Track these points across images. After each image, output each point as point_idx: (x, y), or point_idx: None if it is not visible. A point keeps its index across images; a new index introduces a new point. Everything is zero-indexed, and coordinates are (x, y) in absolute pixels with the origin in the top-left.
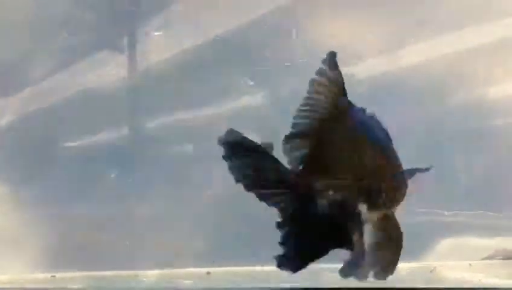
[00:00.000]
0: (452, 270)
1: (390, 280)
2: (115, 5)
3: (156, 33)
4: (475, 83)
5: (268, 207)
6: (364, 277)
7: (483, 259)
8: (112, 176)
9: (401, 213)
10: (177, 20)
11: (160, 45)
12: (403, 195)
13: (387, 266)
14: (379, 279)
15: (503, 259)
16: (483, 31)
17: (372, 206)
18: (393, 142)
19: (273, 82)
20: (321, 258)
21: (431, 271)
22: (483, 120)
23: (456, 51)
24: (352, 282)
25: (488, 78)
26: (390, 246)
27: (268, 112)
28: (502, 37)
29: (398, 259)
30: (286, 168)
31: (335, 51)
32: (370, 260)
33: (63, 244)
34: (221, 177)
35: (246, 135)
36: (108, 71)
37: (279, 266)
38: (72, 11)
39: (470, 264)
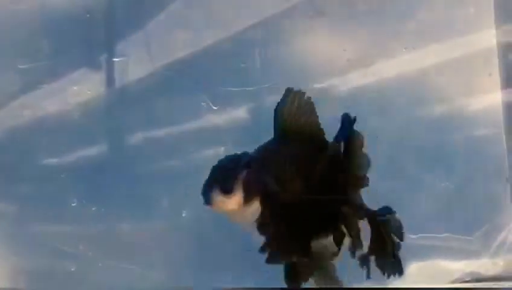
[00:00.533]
0: None
1: None
2: (92, 22)
3: (119, 59)
4: (454, 95)
5: None
6: None
7: (450, 283)
8: (73, 204)
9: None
10: (154, 38)
11: (137, 63)
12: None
13: None
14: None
15: (471, 282)
16: (463, 42)
17: None
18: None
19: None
20: None
21: None
22: (459, 132)
23: (435, 63)
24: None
25: (468, 90)
26: None
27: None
28: (483, 48)
29: None
30: None
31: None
32: None
33: (35, 264)
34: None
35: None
36: (86, 89)
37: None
38: (48, 27)
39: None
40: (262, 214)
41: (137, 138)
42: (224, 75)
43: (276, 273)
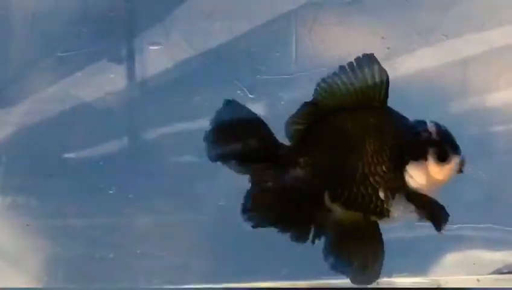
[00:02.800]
0: (459, 285)
1: None
2: (112, 17)
3: (151, 47)
4: (474, 91)
5: None
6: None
7: (491, 273)
8: (110, 191)
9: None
10: (174, 33)
11: (158, 56)
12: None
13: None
14: (358, 283)
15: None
16: (481, 39)
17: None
18: None
19: (271, 94)
20: None
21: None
22: (483, 127)
23: (454, 59)
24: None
25: (487, 86)
26: (355, 245)
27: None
28: (500, 46)
29: (374, 265)
30: (278, 142)
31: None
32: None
33: (60, 258)
34: (222, 188)
35: None
36: (105, 83)
37: (243, 212)
38: (69, 23)
39: (478, 280)
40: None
41: (161, 131)
42: (258, 64)
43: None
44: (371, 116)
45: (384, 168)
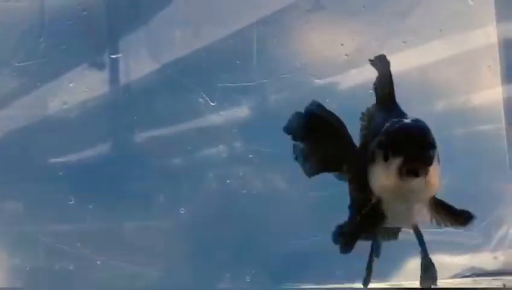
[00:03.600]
0: None
1: None
2: (94, 22)
3: (115, 56)
4: (454, 91)
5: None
6: None
7: (451, 277)
8: (70, 203)
9: None
10: (156, 37)
11: (140, 61)
12: None
13: None
14: None
15: (472, 277)
16: (439, 45)
17: None
18: None
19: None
20: None
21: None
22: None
23: (414, 66)
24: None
25: (468, 86)
26: None
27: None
28: (484, 44)
29: None
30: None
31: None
32: None
33: (33, 262)
34: (208, 189)
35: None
36: (89, 87)
37: None
38: (52, 28)
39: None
40: None
41: (138, 136)
42: (221, 72)
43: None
44: None
45: None
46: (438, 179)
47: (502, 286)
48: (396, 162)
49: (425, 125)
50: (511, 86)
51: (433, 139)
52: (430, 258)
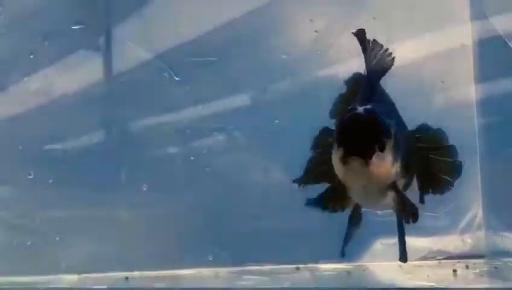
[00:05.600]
0: (382, 272)
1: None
2: (90, 9)
3: (129, 42)
4: (427, 89)
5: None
6: None
7: (418, 260)
8: (30, 177)
9: None
10: (152, 25)
11: (136, 48)
12: None
13: None
14: None
15: (439, 260)
16: (407, 20)
17: None
18: None
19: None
20: None
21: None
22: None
23: (411, 55)
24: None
25: (441, 85)
26: None
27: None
28: (458, 44)
29: None
30: None
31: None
32: None
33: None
34: (203, 178)
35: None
36: (85, 75)
37: None
38: (47, 16)
39: (400, 266)
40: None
41: (132, 125)
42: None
43: None
44: None
45: None
46: (385, 167)
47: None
48: (339, 152)
49: (375, 115)
50: (484, 84)
51: (378, 130)
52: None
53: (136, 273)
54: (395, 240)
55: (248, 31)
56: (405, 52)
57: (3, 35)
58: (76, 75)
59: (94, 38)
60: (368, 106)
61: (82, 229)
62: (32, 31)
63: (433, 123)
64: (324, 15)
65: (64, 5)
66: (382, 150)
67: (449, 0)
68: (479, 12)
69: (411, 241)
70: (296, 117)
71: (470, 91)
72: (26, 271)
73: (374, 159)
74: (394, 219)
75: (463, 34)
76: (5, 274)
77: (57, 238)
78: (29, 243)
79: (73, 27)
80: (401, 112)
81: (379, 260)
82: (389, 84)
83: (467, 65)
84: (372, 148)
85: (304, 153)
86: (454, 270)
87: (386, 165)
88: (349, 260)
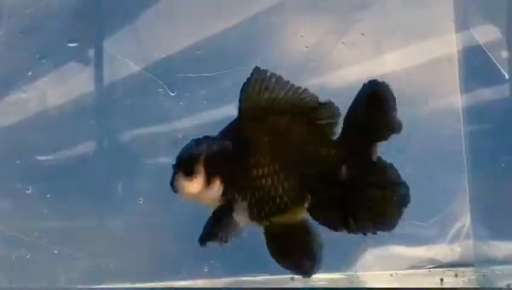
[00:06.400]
0: (372, 281)
1: None
2: (81, 19)
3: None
4: (417, 97)
5: None
6: None
7: (408, 269)
8: (28, 191)
9: None
10: (144, 34)
11: (127, 58)
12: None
13: None
14: None
15: (429, 268)
16: (422, 47)
17: None
18: None
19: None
20: None
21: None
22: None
23: (398, 67)
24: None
25: (428, 93)
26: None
27: None
28: (443, 53)
29: None
30: None
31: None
32: None
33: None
34: (143, 188)
35: None
36: (75, 85)
37: None
38: (39, 25)
39: (391, 275)
40: (224, 193)
41: (122, 135)
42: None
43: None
44: None
45: None
46: (190, 190)
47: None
48: None
49: (191, 146)
50: (469, 94)
51: (185, 159)
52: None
53: (135, 285)
54: (382, 250)
55: (241, 44)
56: (392, 63)
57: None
58: (69, 88)
59: (86, 53)
60: (199, 138)
61: (79, 242)
62: (22, 42)
63: (420, 133)
64: (314, 30)
65: (58, 21)
66: (189, 174)
67: (435, 14)
68: (463, 24)
69: (401, 250)
70: None
71: (456, 101)
72: (26, 284)
73: (180, 183)
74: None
75: (448, 45)
76: (4, 287)
77: (56, 251)
78: (28, 257)
79: (69, 44)
80: None
81: (369, 270)
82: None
83: (452, 75)
84: (175, 176)
85: None
86: (442, 279)
87: (191, 188)
88: (341, 270)
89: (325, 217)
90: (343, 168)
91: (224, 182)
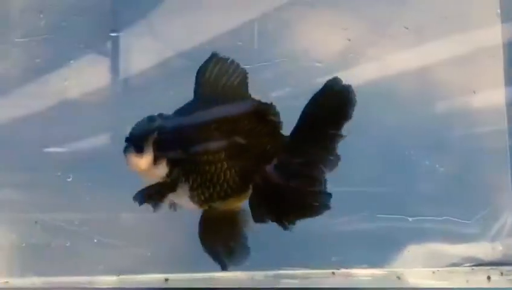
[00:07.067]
0: (415, 278)
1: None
2: (98, 12)
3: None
4: (459, 91)
5: None
6: None
7: (448, 266)
8: (69, 179)
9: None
10: (160, 27)
11: (143, 51)
12: None
13: None
14: None
15: (470, 267)
16: (466, 39)
17: None
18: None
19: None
20: None
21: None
22: (442, 124)
23: (440, 60)
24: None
25: (472, 87)
26: None
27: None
28: (488, 45)
29: None
30: None
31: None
32: None
33: (16, 246)
34: None
35: None
36: (91, 78)
37: None
38: (55, 17)
39: (433, 272)
40: (169, 173)
41: None
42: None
43: None
44: None
45: None
46: (138, 167)
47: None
48: None
49: (145, 123)
50: None
51: (137, 136)
52: None
53: (176, 275)
54: (423, 248)
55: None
56: (434, 56)
57: (8, 38)
58: (87, 78)
59: (101, 42)
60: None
61: (119, 231)
62: (37, 34)
63: (462, 128)
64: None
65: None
66: (138, 151)
67: (479, 5)
68: (508, 16)
69: (442, 247)
70: None
71: (500, 95)
72: (65, 272)
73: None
74: (421, 226)
75: (493, 38)
76: (44, 275)
77: (95, 240)
78: (67, 245)
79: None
80: (433, 114)
81: (410, 267)
82: (420, 87)
83: (497, 69)
84: (128, 148)
85: None
86: (489, 277)
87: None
88: (382, 266)
89: (259, 210)
90: (279, 163)
91: (170, 163)
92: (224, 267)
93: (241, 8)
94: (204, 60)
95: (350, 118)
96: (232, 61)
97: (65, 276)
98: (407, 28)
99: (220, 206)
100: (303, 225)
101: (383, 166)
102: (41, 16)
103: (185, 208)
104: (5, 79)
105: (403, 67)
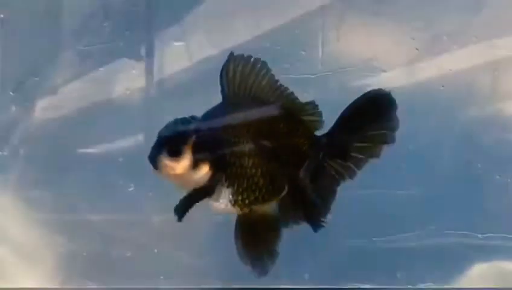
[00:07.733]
0: None
1: None
2: (133, 14)
3: (176, 43)
4: (503, 95)
5: None
6: None
7: None
8: (130, 189)
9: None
10: (195, 30)
11: (178, 54)
12: None
13: None
14: None
15: None
16: (500, 45)
17: None
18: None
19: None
20: None
21: None
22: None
23: (473, 65)
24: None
25: (505, 93)
26: None
27: None
28: None
29: None
30: None
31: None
32: None
33: (76, 254)
34: None
35: None
36: (126, 80)
37: None
38: (89, 20)
39: None
40: (212, 178)
41: None
42: (283, 62)
43: None
44: None
45: None
46: (175, 171)
47: None
48: None
49: (178, 125)
50: None
51: (172, 138)
52: None
53: (234, 286)
54: (488, 265)
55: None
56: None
57: (44, 41)
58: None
59: (135, 45)
60: (180, 118)
61: (179, 241)
62: (74, 36)
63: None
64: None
65: (106, 9)
66: (174, 155)
67: None
68: None
69: (508, 266)
70: None
71: None
72: (124, 282)
73: (163, 163)
74: (490, 243)
75: None
76: (105, 283)
77: (156, 250)
78: (128, 255)
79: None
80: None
81: (477, 285)
82: (492, 98)
83: None
84: (158, 155)
85: None
86: None
87: (176, 169)
88: (447, 283)
89: (292, 212)
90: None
91: (213, 167)
92: (263, 273)
93: (288, 12)
94: (224, 62)
95: (393, 120)
96: (255, 59)
97: (125, 285)
98: (476, 37)
99: (259, 208)
100: (367, 239)
101: (451, 180)
102: None
103: (218, 212)
104: (39, 82)
105: (473, 77)
